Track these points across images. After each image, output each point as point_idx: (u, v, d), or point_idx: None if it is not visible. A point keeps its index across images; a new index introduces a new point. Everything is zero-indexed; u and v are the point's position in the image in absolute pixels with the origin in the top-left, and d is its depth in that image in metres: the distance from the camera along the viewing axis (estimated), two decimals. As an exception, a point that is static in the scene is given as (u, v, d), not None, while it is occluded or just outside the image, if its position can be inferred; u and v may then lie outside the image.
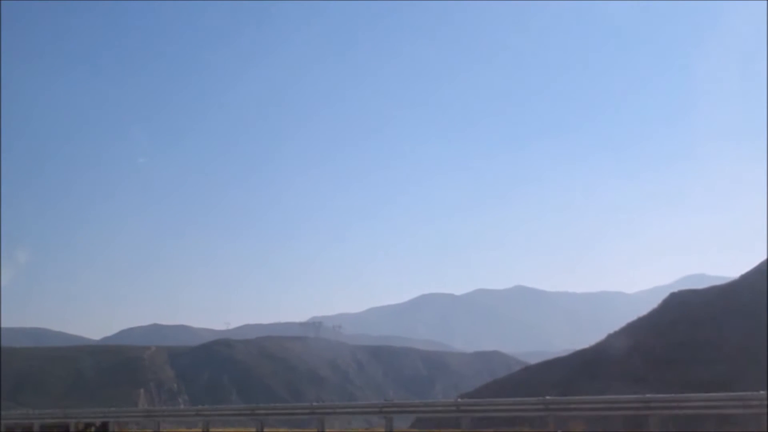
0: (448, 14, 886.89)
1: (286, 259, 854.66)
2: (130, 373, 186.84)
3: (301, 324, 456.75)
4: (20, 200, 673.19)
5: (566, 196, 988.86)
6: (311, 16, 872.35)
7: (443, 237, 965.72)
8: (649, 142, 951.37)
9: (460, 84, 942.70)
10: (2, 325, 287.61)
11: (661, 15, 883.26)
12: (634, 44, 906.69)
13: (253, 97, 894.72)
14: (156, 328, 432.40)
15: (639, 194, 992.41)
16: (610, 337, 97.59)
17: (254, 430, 25.19)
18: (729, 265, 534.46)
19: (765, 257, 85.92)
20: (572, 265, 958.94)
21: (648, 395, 20.22)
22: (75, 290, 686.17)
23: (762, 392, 18.59)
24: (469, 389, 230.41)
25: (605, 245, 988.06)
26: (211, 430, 26.78)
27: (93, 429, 31.20)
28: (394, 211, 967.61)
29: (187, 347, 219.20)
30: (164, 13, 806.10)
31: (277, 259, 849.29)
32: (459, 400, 24.45)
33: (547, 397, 21.86)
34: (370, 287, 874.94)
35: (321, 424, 23.45)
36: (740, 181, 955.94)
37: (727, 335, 74.08)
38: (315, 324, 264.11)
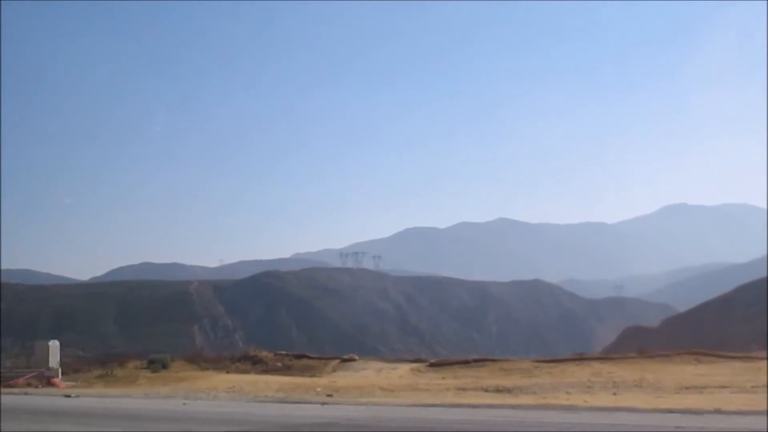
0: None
1: (266, 196, 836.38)
2: (181, 310, 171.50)
3: (285, 258, 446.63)
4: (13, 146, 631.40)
5: (544, 126, 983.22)
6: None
7: (422, 171, 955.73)
8: (626, 67, 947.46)
9: (437, 10, 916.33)
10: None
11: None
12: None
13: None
14: (147, 266, 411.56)
15: (617, 123, 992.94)
16: None
17: None
18: (709, 194, 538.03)
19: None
20: (553, 196, 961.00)
21: None
22: (58, 231, 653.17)
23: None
24: (522, 319, 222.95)
25: (585, 176, 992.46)
26: None
27: None
28: (372, 145, 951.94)
29: (231, 280, 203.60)
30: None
31: (258, 197, 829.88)
32: None
33: None
34: (352, 222, 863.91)
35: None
36: (719, 109, 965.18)
37: None
38: (357, 255, 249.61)
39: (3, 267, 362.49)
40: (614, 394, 22.08)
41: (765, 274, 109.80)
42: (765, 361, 26.65)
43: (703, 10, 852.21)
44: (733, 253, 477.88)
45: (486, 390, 24.62)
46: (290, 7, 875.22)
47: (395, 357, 44.56)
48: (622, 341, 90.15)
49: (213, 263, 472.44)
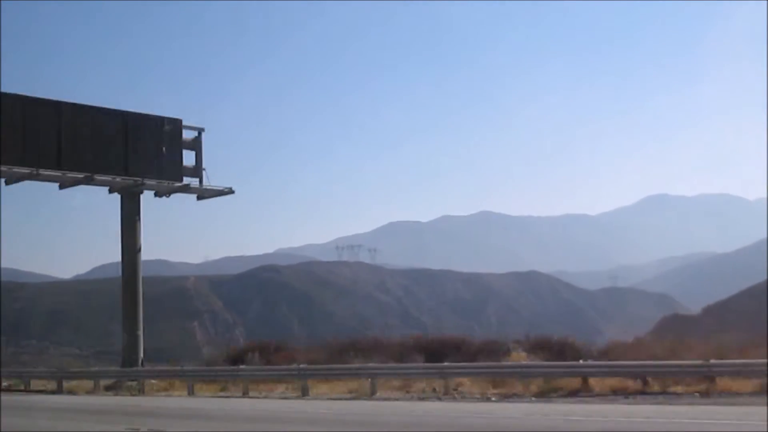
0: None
1: (249, 192, 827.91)
2: (179, 306, 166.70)
3: (270, 253, 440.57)
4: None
5: (524, 118, 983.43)
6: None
7: (404, 165, 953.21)
8: (605, 60, 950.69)
9: (418, 5, 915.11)
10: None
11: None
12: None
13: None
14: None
15: (596, 115, 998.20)
16: None
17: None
18: (689, 184, 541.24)
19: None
20: (534, 188, 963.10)
21: None
22: (41, 229, 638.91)
23: None
24: (522, 310, 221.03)
25: (565, 167, 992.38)
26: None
27: None
28: (353, 140, 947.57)
29: (228, 275, 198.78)
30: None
31: (240, 193, 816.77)
32: None
33: None
34: (334, 217, 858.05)
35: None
36: (700, 100, 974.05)
37: None
38: (353, 248, 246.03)
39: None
40: None
41: (752, 263, 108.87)
42: None
43: (687, 9, 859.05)
44: (716, 243, 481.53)
45: None
46: (274, 6, 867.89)
47: None
48: (661, 331, 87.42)
49: (197, 260, 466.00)
